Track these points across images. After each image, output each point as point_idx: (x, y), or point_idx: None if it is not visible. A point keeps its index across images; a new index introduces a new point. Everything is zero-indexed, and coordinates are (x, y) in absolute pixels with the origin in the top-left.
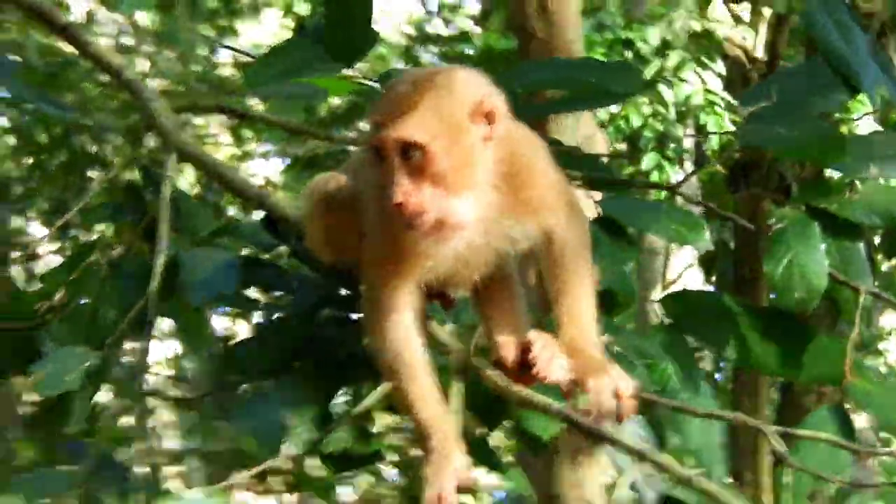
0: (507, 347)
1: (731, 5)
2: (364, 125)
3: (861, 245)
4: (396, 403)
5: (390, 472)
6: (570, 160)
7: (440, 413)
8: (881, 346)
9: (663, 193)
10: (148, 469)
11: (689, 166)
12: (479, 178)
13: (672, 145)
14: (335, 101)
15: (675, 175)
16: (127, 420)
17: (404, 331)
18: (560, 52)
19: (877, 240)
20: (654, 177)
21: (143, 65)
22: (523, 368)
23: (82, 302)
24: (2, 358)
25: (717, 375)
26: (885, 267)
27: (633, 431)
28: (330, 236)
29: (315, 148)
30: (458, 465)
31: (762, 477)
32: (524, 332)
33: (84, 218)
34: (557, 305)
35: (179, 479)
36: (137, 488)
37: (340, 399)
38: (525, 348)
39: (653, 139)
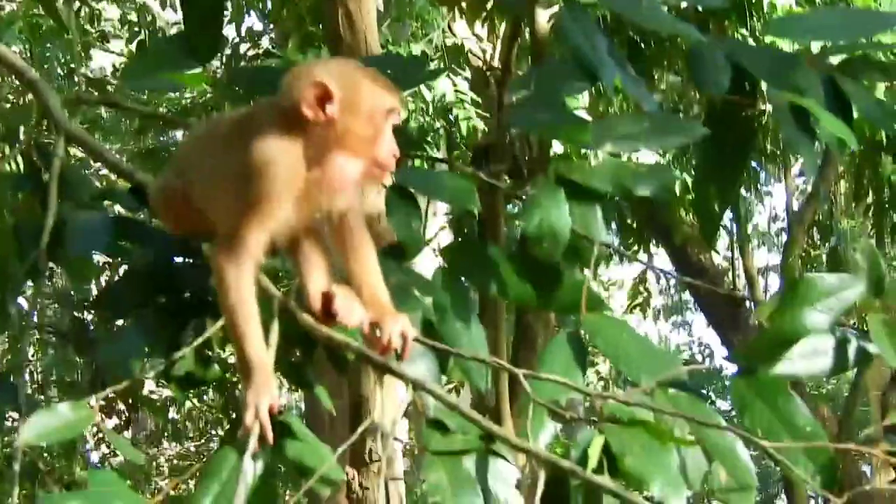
0: (316, 297)
1: (476, 27)
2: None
3: (597, 207)
4: (229, 338)
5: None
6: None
7: (263, 351)
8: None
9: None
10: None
11: (442, 148)
12: None
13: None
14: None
15: (433, 154)
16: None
17: (250, 279)
18: (364, 55)
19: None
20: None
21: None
22: (328, 315)
23: None
24: None
25: None
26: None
27: (427, 366)
28: (170, 221)
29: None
30: (273, 393)
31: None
32: (328, 282)
33: None
34: (353, 264)
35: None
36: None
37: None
38: (328, 298)
39: (416, 128)
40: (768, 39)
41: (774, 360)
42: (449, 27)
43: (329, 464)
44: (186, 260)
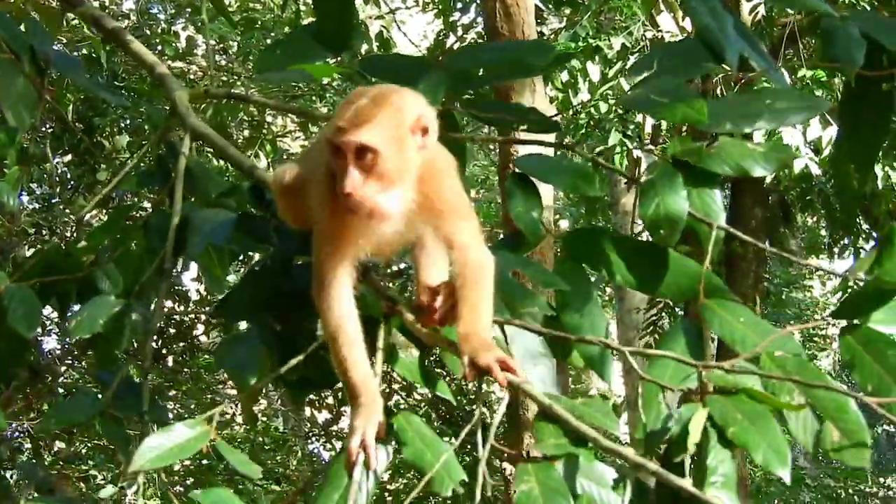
0: (425, 293)
1: (677, 17)
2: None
3: (716, 190)
4: (335, 364)
5: None
6: (522, 117)
7: (370, 376)
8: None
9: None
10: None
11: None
12: (408, 179)
13: (631, 126)
14: None
15: (634, 149)
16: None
17: (345, 304)
18: None
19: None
20: (618, 152)
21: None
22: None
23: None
24: (68, 299)
25: None
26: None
27: (543, 373)
28: (289, 212)
29: None
30: (379, 418)
31: None
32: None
33: (122, 185)
34: (461, 302)
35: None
36: (148, 412)
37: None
38: (435, 295)
39: (616, 122)
40: None
41: (875, 311)
42: (653, 20)
43: (444, 461)
44: (306, 258)
